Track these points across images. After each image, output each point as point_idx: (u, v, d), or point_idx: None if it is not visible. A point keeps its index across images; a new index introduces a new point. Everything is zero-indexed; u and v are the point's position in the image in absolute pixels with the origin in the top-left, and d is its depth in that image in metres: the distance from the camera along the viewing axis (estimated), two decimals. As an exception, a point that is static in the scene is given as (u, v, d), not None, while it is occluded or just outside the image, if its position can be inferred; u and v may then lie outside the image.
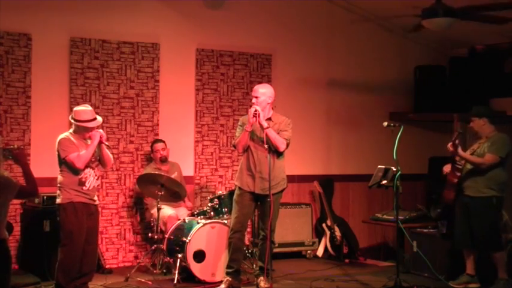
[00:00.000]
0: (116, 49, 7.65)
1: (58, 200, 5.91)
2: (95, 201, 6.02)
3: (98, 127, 6.01)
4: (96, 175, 6.00)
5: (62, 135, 5.96)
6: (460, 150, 6.56)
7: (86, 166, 5.88)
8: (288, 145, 6.36)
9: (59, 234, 5.91)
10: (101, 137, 5.93)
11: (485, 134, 6.65)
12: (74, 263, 5.87)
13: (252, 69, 8.40)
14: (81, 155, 5.82)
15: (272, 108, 6.47)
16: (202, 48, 8.11)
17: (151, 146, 7.66)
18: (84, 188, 5.88)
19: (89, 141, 5.97)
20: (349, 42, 9.01)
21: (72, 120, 5.97)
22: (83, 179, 5.88)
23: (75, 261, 5.87)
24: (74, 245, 5.84)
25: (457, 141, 6.53)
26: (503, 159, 6.52)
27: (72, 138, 5.90)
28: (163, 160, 7.57)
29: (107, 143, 6.06)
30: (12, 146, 4.72)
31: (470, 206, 6.61)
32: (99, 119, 6.02)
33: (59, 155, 5.89)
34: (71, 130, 6.03)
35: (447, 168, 6.78)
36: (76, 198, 5.86)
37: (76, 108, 6.03)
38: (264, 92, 6.39)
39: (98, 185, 6.10)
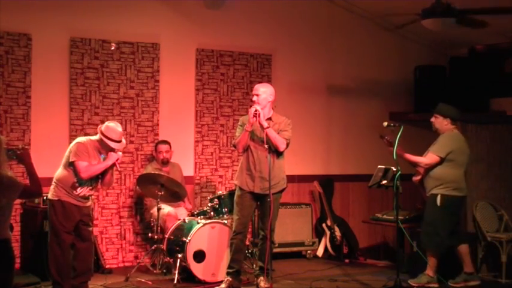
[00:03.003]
0: (116, 49, 7.64)
1: (49, 195, 5.99)
2: (85, 203, 6.05)
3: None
4: (91, 186, 6.03)
5: (80, 139, 6.05)
6: (396, 149, 6.64)
7: (113, 164, 6.00)
8: (288, 145, 6.37)
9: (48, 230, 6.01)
10: (116, 160, 6.01)
11: (441, 133, 6.77)
12: (65, 259, 5.91)
13: (252, 69, 8.40)
14: (89, 167, 5.89)
15: (272, 108, 6.47)
16: (202, 48, 8.11)
17: (155, 146, 7.66)
18: (74, 192, 5.93)
19: (103, 156, 6.06)
20: (349, 42, 9.01)
21: (99, 132, 6.02)
22: (76, 185, 5.92)
23: (65, 256, 5.91)
24: (62, 241, 5.89)
25: (387, 143, 6.64)
26: (442, 159, 6.62)
27: (88, 147, 5.97)
28: (165, 162, 7.57)
29: (119, 168, 6.17)
30: (16, 146, 4.72)
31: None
32: (123, 142, 6.14)
33: (69, 156, 5.95)
34: (93, 137, 6.08)
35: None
36: (65, 197, 5.91)
37: (109, 123, 6.08)
38: (264, 90, 6.39)
39: (90, 195, 6.12)
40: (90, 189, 6.04)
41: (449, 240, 6.68)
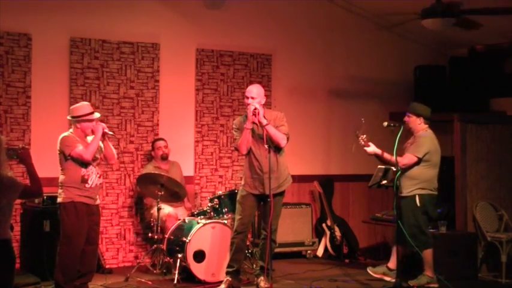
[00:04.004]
0: (116, 49, 7.65)
1: (59, 199, 5.91)
2: (96, 201, 6.02)
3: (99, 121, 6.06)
4: (98, 173, 6.00)
5: (63, 134, 5.99)
6: (373, 149, 6.74)
7: (89, 163, 5.90)
8: (288, 139, 6.35)
9: (59, 233, 5.92)
10: (103, 129, 5.96)
11: (416, 133, 6.78)
12: (73, 263, 5.87)
13: (252, 69, 8.40)
14: (87, 148, 5.85)
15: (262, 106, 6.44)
16: (202, 48, 8.12)
17: (153, 144, 7.67)
18: (86, 185, 5.89)
19: (90, 139, 6.01)
20: (349, 42, 9.01)
21: (72, 118, 5.98)
22: (86, 177, 5.88)
23: (74, 261, 5.86)
24: (73, 245, 5.84)
25: (363, 143, 6.72)
26: (420, 159, 6.65)
27: (74, 136, 5.94)
28: (164, 158, 7.59)
29: (110, 132, 6.08)
30: (17, 146, 4.71)
31: (400, 205, 6.70)
32: (97, 113, 6.10)
33: (62, 153, 5.90)
34: (71, 130, 6.04)
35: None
36: (77, 198, 5.86)
37: (73, 106, 6.09)
38: (259, 92, 6.36)
39: (100, 183, 6.10)
40: (99, 177, 6.02)
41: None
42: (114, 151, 6.19)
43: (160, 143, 7.62)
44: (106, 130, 5.99)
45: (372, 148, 6.76)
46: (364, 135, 6.75)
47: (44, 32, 7.28)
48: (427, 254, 6.69)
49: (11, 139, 7.01)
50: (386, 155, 6.73)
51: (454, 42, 8.88)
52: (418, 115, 6.78)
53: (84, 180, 5.88)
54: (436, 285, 6.67)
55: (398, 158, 6.68)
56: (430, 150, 6.69)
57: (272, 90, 8.50)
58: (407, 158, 6.68)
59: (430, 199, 6.71)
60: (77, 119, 5.96)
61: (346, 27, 8.92)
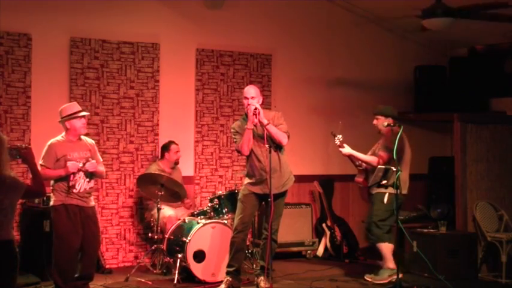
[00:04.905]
0: (116, 49, 7.64)
1: (51, 202, 5.94)
2: (89, 203, 6.01)
3: (85, 157, 5.99)
4: (87, 177, 5.97)
5: (52, 140, 5.99)
6: (348, 150, 6.87)
7: (79, 170, 5.89)
8: (288, 137, 6.35)
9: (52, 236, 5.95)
10: (76, 169, 5.86)
11: (384, 133, 6.85)
12: (69, 264, 5.87)
13: (252, 69, 8.40)
14: (44, 172, 5.73)
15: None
16: (202, 48, 8.12)
17: (167, 146, 7.56)
18: (74, 190, 5.88)
19: (85, 139, 6.07)
20: (349, 42, 9.01)
21: (61, 122, 5.97)
22: (73, 182, 5.88)
23: (69, 261, 5.87)
24: (67, 245, 5.85)
25: (339, 143, 6.86)
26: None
27: (56, 147, 5.90)
28: (177, 163, 7.57)
29: (88, 169, 5.95)
30: (20, 145, 4.70)
31: (370, 203, 6.87)
32: (84, 112, 6.09)
33: None
34: (63, 134, 6.04)
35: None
36: (68, 200, 5.87)
37: (61, 107, 6.06)
38: (257, 92, 6.38)
39: (91, 188, 6.06)
40: (88, 182, 5.99)
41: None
42: (102, 168, 6.18)
43: (177, 147, 7.56)
44: (72, 179, 5.87)
45: (346, 149, 6.89)
46: (340, 136, 6.82)
47: (44, 32, 7.28)
48: (383, 247, 6.75)
49: (11, 139, 6.97)
50: (361, 156, 6.79)
51: (454, 42, 8.89)
52: (386, 116, 6.86)
53: (71, 186, 5.88)
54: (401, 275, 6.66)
55: (374, 158, 6.73)
56: (401, 148, 6.73)
57: (272, 90, 8.50)
58: (380, 158, 6.77)
59: (398, 199, 6.71)
60: (65, 119, 5.95)
61: (346, 27, 8.92)
